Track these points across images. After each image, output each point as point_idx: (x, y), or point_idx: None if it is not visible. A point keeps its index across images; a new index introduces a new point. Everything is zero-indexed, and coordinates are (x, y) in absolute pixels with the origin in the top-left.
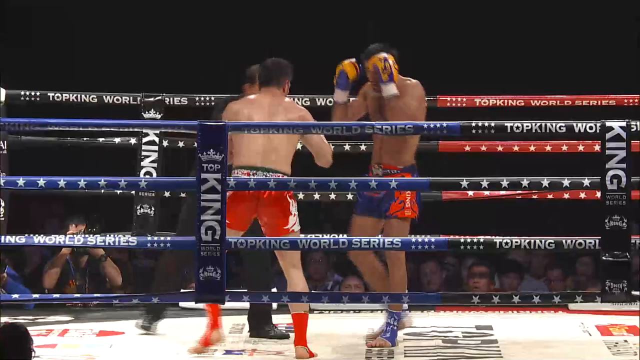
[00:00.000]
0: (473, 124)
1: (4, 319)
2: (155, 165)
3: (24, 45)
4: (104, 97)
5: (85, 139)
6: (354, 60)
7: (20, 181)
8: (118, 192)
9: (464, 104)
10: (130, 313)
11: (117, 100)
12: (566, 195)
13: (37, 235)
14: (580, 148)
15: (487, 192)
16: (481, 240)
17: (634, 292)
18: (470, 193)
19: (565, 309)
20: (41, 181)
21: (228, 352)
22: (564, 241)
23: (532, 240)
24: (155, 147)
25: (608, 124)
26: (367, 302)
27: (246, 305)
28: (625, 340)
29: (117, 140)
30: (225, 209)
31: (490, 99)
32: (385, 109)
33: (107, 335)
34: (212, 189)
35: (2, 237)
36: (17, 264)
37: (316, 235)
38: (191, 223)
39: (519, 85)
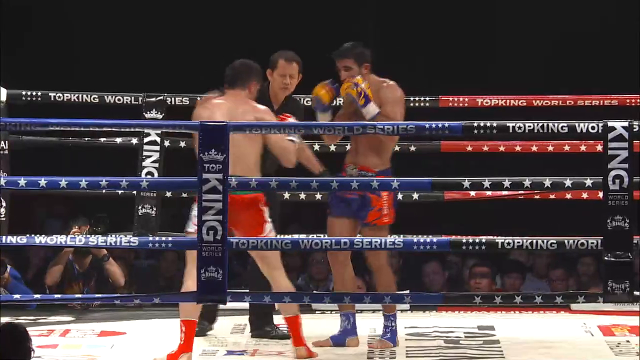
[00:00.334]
0: (475, 124)
1: (6, 319)
2: (156, 165)
3: (25, 45)
4: (106, 97)
5: (86, 139)
6: (327, 82)
7: (22, 181)
8: (119, 192)
9: (466, 104)
10: (131, 313)
11: (119, 100)
12: (568, 196)
13: (38, 235)
14: (583, 148)
15: (489, 192)
16: (483, 240)
17: (636, 293)
18: (473, 193)
19: (568, 309)
20: (42, 181)
21: (230, 352)
22: (566, 241)
23: (534, 241)
24: (157, 147)
25: (610, 124)
26: (368, 303)
27: (247, 305)
28: (628, 341)
29: (118, 140)
30: (227, 209)
31: (492, 99)
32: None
33: (108, 335)
34: (213, 189)
35: (3, 237)
36: (20, 265)
37: (318, 235)
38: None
39: (521, 85)
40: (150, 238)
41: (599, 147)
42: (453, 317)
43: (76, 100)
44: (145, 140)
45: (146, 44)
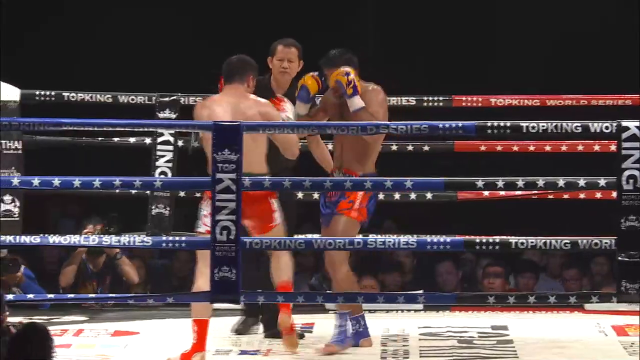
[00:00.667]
0: (489, 124)
1: (20, 319)
2: (170, 165)
3: (39, 45)
4: (119, 96)
5: (99, 138)
6: (316, 74)
7: (35, 181)
8: (133, 192)
9: (480, 104)
10: (145, 313)
11: (132, 100)
12: (582, 195)
13: (52, 235)
14: (596, 148)
15: (502, 192)
16: (497, 240)
17: None
18: (486, 193)
19: (581, 309)
20: (56, 181)
21: (243, 352)
22: (579, 241)
23: (548, 240)
24: (170, 147)
25: (624, 124)
26: (382, 302)
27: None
28: None
29: (131, 140)
30: (240, 209)
31: (505, 98)
32: (348, 115)
33: (122, 335)
34: (227, 188)
35: (18, 237)
36: (34, 265)
37: None
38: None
39: (534, 85)
40: (164, 238)
41: (613, 147)
42: (466, 317)
43: (90, 100)
44: (159, 140)
45: (160, 43)
